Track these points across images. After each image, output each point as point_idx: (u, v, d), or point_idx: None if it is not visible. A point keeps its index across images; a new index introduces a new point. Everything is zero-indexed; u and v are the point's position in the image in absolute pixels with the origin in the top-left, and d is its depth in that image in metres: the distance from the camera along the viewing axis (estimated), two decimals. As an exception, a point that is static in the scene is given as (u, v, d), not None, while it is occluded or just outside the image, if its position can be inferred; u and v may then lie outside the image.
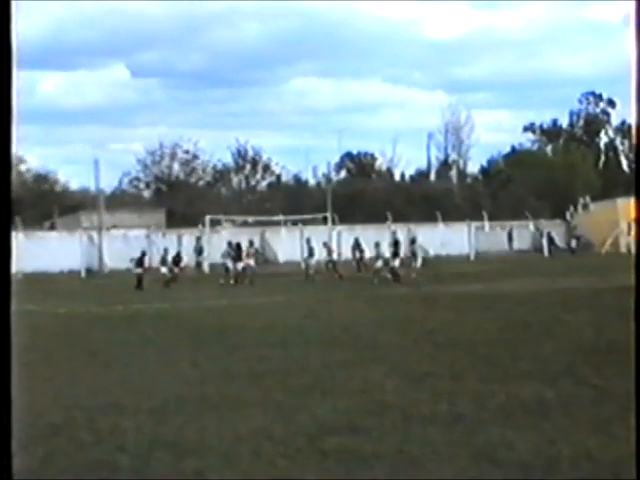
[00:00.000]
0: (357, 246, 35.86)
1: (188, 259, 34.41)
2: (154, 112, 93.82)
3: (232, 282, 28.52)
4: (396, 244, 30.48)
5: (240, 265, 29.08)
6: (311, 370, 11.18)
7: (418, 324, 16.45)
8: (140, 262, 28.80)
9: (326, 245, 35.23)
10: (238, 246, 31.09)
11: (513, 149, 77.29)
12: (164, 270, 29.64)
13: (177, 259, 32.37)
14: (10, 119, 2.33)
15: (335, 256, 34.13)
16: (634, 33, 2.48)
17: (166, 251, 31.16)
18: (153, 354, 13.06)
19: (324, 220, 44.29)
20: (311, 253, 32.45)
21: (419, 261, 28.04)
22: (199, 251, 33.83)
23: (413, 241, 34.73)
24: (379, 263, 29.56)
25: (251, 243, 31.81)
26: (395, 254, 29.24)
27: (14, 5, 2.32)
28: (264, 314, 19.31)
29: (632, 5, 2.52)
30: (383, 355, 12.39)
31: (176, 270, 31.14)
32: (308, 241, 33.64)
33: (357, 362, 11.76)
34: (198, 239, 34.87)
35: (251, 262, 29.57)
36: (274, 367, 11.48)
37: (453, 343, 13.53)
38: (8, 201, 2.37)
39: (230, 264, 30.26)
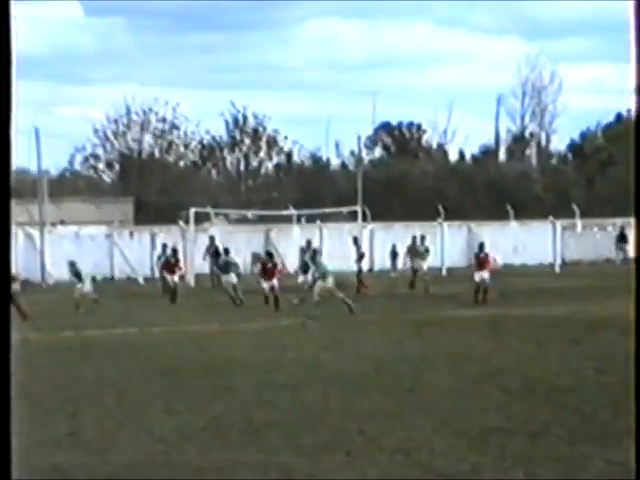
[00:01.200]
0: (413, 250, 35.38)
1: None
2: (118, 64, 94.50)
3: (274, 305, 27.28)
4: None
5: (274, 283, 27.98)
6: (331, 422, 11.17)
7: (480, 360, 16.40)
8: (76, 272, 28.17)
9: (356, 242, 35.21)
10: (269, 254, 30.33)
11: (618, 117, 76.79)
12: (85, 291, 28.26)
13: (174, 261, 31.79)
14: (10, 119, 3.00)
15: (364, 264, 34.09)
16: (634, 33, 3.09)
17: (73, 263, 29.83)
18: (113, 399, 13.11)
19: (352, 215, 44.39)
20: (313, 259, 32.24)
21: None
22: (165, 263, 33.12)
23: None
24: (305, 277, 30.09)
25: (270, 254, 30.90)
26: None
27: (14, 5, 2.93)
28: (268, 344, 19.34)
29: (632, 5, 3.11)
30: (431, 403, 12.37)
31: (175, 278, 30.78)
32: (308, 244, 33.34)
33: (396, 412, 11.75)
34: (164, 247, 34.47)
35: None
36: (280, 417, 11.49)
37: (529, 388, 13.47)
38: (7, 200, 2.91)
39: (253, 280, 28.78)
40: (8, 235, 3.01)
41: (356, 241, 35.41)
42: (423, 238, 35.86)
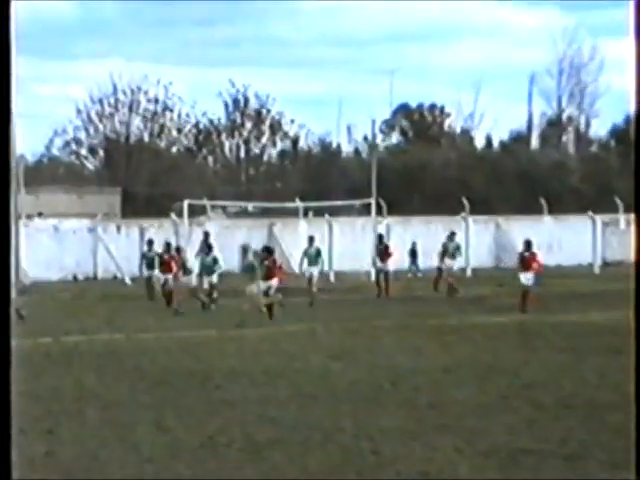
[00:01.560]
0: (445, 248, 35.28)
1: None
2: (103, 37, 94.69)
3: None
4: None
5: (272, 283, 26.83)
6: (342, 440, 11.17)
7: (509, 373, 16.41)
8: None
9: (381, 240, 35.33)
10: (267, 250, 29.27)
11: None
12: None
13: (169, 257, 31.44)
14: (9, 118, 3.40)
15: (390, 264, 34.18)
16: (634, 33, 3.45)
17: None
18: (96, 413, 13.12)
19: (365, 209, 44.44)
20: (316, 257, 32.23)
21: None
22: (149, 262, 32.99)
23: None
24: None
25: (269, 250, 29.90)
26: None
27: (14, 5, 3.32)
28: (270, 352, 19.37)
29: (632, 5, 3.50)
30: (454, 420, 12.36)
31: (169, 278, 30.34)
32: (311, 240, 33.17)
33: (414, 430, 11.73)
34: (150, 243, 34.32)
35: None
36: (284, 435, 11.50)
37: (565, 404, 13.45)
38: (7, 197, 3.33)
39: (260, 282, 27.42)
40: (8, 236, 3.13)
41: (381, 239, 35.52)
42: (453, 234, 35.78)
